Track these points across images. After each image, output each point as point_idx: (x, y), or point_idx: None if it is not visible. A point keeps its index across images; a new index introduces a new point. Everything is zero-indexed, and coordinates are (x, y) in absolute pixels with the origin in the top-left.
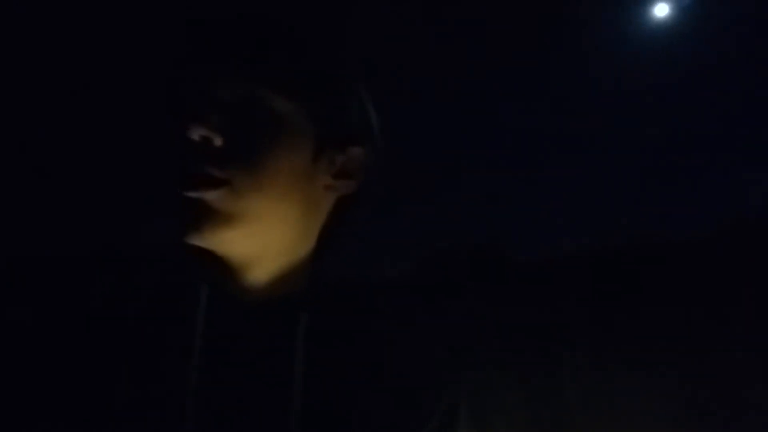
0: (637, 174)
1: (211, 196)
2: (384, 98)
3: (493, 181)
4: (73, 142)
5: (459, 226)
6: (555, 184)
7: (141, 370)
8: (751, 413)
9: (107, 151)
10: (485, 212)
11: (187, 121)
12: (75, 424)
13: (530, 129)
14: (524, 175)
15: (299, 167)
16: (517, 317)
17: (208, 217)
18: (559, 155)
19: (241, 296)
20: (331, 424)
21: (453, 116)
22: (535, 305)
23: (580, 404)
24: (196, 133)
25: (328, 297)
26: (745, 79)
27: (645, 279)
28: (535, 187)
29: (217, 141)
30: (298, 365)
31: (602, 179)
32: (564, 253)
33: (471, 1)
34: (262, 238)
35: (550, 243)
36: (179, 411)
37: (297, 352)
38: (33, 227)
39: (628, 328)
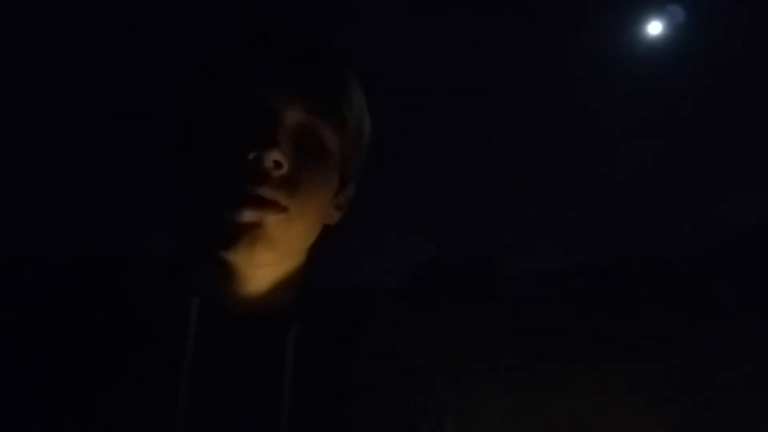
0: (630, 191)
1: (269, 220)
2: (378, 110)
3: (486, 194)
4: (78, 147)
5: (449, 237)
6: (548, 199)
7: (130, 380)
8: (736, 428)
9: (110, 159)
10: (478, 224)
11: (259, 144)
12: None
13: (523, 145)
14: (517, 188)
15: (329, 201)
16: (505, 328)
17: (257, 239)
18: (551, 171)
19: (232, 307)
20: None
21: (447, 130)
22: (525, 317)
23: (568, 413)
24: (270, 158)
25: (318, 307)
26: (739, 97)
27: (636, 293)
28: (529, 201)
29: (285, 167)
30: (288, 376)
31: (595, 196)
32: (555, 266)
33: (461, 26)
34: (289, 263)
35: (541, 256)
36: (168, 422)
37: (287, 363)
38: (29, 230)
39: (618, 340)
